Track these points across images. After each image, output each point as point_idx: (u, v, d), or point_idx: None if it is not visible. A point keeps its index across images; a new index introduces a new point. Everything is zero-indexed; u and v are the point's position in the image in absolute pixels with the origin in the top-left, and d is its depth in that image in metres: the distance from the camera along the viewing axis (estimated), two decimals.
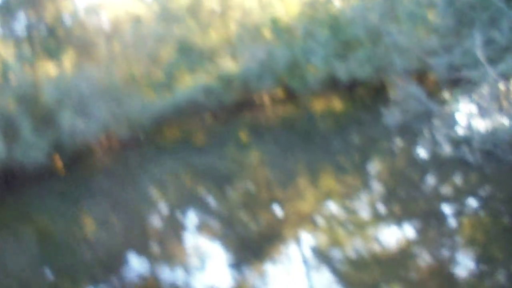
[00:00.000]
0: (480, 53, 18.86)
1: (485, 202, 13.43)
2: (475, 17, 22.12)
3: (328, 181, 19.42)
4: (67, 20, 38.79)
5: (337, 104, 34.74)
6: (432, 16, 27.30)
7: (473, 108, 18.41)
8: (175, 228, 16.93)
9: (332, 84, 32.86)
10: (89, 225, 19.51)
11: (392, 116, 19.84)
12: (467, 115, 18.42)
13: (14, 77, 30.69)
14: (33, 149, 27.90)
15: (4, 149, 26.86)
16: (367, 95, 31.60)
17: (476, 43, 19.43)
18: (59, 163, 30.16)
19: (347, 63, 30.79)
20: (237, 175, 22.59)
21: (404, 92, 20.18)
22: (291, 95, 35.37)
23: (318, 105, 35.22)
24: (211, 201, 19.64)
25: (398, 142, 22.69)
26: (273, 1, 38.78)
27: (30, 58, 32.86)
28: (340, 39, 32.10)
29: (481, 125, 17.42)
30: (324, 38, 32.33)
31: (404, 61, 26.22)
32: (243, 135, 32.64)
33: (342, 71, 30.69)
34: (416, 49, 25.46)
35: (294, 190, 18.07)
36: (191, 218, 17.76)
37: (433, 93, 25.14)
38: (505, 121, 16.77)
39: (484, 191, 14.55)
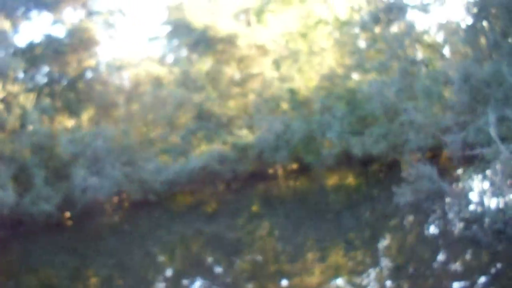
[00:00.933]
0: (493, 131, 18.90)
1: (495, 280, 13.20)
2: (490, 94, 22.28)
3: (337, 256, 19.23)
4: (89, 75, 39.45)
5: (350, 179, 34.67)
6: (448, 93, 27.49)
7: (485, 186, 18.30)
8: None
9: (346, 159, 32.85)
10: (93, 282, 19.34)
11: (403, 195, 19.79)
12: (480, 193, 18.30)
13: (31, 126, 31.01)
14: (44, 200, 28.03)
15: (15, 197, 26.90)
16: (380, 171, 31.54)
17: (490, 121, 19.50)
18: (68, 217, 30.06)
19: (362, 138, 30.78)
20: (246, 246, 22.43)
21: (416, 171, 20.15)
22: (305, 168, 35.34)
23: (331, 180, 35.16)
24: (218, 270, 19.44)
25: (409, 220, 22.54)
26: (292, 73, 39.11)
27: (49, 109, 33.25)
28: (357, 114, 32.23)
29: (493, 203, 17.29)
30: (341, 113, 32.45)
31: (418, 138, 26.29)
32: (255, 206, 32.54)
33: (357, 146, 30.69)
34: (431, 126, 25.55)
35: (303, 264, 17.90)
36: (195, 285, 17.56)
37: (446, 169, 25.14)
38: None
39: (495, 269, 14.30)
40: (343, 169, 34.27)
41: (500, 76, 22.71)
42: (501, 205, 16.69)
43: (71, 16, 41.64)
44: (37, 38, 38.13)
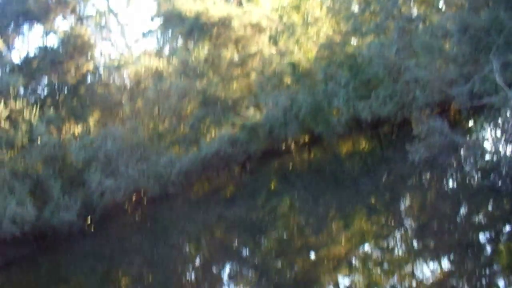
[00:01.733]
0: (499, 78, 18.88)
1: None
2: (491, 42, 22.19)
3: (361, 222, 19.37)
4: (89, 80, 39.56)
5: (363, 144, 34.71)
6: (448, 46, 27.38)
7: (498, 134, 18.30)
8: (211, 281, 16.90)
9: (356, 125, 32.81)
10: (125, 283, 19.53)
11: (417, 152, 19.84)
12: (493, 141, 18.30)
13: (40, 139, 31.20)
14: (63, 210, 28.31)
15: (35, 212, 27.17)
16: (391, 132, 31.56)
17: (495, 68, 19.48)
18: (90, 222, 30.22)
19: (369, 102, 30.73)
20: (270, 224, 22.61)
21: (427, 127, 20.18)
22: (316, 139, 35.29)
23: (344, 147, 35.18)
24: (245, 251, 19.63)
25: (427, 176, 22.60)
26: (291, 47, 39.03)
27: (55, 120, 33.44)
28: (360, 79, 32.12)
29: (508, 150, 17.31)
30: (344, 80, 32.36)
31: (425, 94, 26.26)
32: (272, 183, 32.67)
33: (365, 111, 30.63)
34: (436, 81, 25.51)
35: (328, 235, 18.06)
36: (226, 270, 17.75)
37: (457, 122, 25.16)
38: None
39: None
40: (355, 135, 34.26)
41: (498, 22, 22.61)
42: None
43: (63, 24, 41.88)
44: (32, 51, 38.41)
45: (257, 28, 40.15)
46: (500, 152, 17.54)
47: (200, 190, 34.91)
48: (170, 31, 42.10)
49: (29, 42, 38.62)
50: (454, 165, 21.42)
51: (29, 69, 35.94)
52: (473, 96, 21.94)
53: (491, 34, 22.60)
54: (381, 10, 31.70)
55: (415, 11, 32.84)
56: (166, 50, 43.69)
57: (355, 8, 35.89)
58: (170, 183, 32.63)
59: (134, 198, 32.55)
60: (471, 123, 24.58)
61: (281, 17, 41.15)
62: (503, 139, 17.67)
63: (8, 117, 30.74)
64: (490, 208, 16.66)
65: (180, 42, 43.02)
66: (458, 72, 24.51)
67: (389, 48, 29.83)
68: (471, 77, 22.40)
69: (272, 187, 31.69)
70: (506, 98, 18.34)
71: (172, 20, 39.89)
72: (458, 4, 29.58)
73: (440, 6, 32.82)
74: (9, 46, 36.62)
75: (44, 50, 37.44)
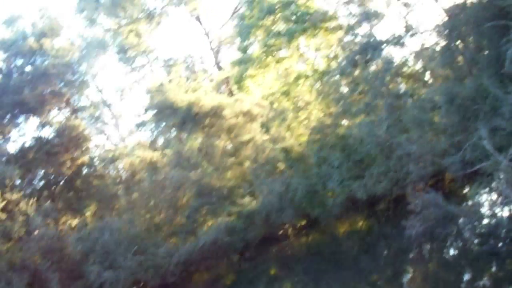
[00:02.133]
0: (488, 144, 19.08)
1: None
2: (477, 109, 22.55)
3: None
4: (84, 171, 39.69)
5: (360, 223, 34.56)
6: (437, 118, 27.72)
7: (493, 197, 18.38)
8: None
9: (352, 204, 32.73)
10: None
11: (413, 226, 19.88)
12: (490, 206, 18.37)
13: (37, 231, 31.07)
14: None
15: None
16: (387, 208, 31.45)
17: (483, 135, 19.70)
18: None
19: (363, 181, 30.78)
20: None
21: (422, 200, 20.29)
22: (313, 222, 35.19)
23: (341, 227, 35.04)
24: None
25: (426, 248, 22.48)
26: (283, 132, 39.39)
27: (51, 212, 33.40)
28: (353, 159, 32.29)
29: (505, 212, 17.35)
30: (337, 161, 32.54)
31: (418, 168, 26.36)
32: (272, 269, 32.40)
33: (360, 190, 30.64)
34: (428, 153, 25.68)
35: None
36: None
37: (452, 191, 25.20)
38: None
39: None
40: (351, 214, 34.14)
41: (483, 90, 23.06)
42: None
43: (58, 116, 42.33)
44: (28, 142, 38.70)
45: (249, 116, 40.62)
46: (497, 215, 17.57)
47: (200, 279, 34.59)
48: (163, 122, 42.50)
49: (25, 133, 38.73)
50: (453, 234, 21.32)
51: (25, 160, 36.21)
52: (466, 164, 22.09)
53: (477, 101, 22.99)
54: (370, 89, 32.16)
55: (403, 87, 33.39)
56: (160, 141, 44.10)
57: (344, 89, 36.41)
58: (169, 274, 32.47)
59: None
60: (466, 190, 24.62)
61: (271, 104, 41.70)
62: (499, 202, 17.72)
63: (5, 208, 30.76)
64: (492, 271, 16.54)
65: (173, 133, 43.45)
66: (449, 142, 24.76)
67: (379, 126, 30.11)
68: (462, 146, 22.61)
69: (272, 273, 31.49)
70: (497, 163, 18.48)
71: (165, 111, 40.31)
72: (444, 76, 30.15)
73: (426, 79, 33.43)
74: (5, 137, 36.91)
75: (39, 141, 37.84)
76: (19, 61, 39.80)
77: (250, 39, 45.85)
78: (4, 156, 35.23)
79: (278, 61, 44.50)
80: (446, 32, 28.91)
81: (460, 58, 29.13)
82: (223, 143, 41.68)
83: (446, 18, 30.17)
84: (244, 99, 41.11)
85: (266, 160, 37.84)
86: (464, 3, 28.24)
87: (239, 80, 46.76)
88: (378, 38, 32.76)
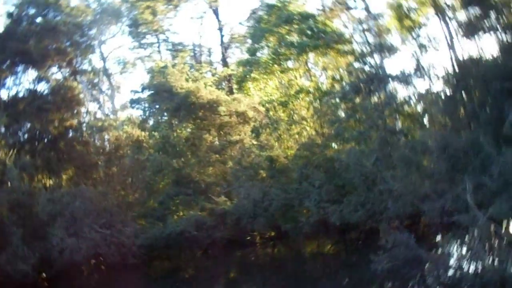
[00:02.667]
0: (470, 198, 19.23)
1: None
2: (467, 163, 22.74)
3: None
4: (70, 135, 39.43)
5: (328, 247, 34.56)
6: (426, 162, 27.89)
7: (463, 251, 18.48)
8: None
9: (324, 227, 32.73)
10: None
11: (380, 262, 19.92)
12: (458, 258, 18.46)
13: (10, 184, 30.84)
14: (20, 260, 27.75)
15: None
16: (358, 239, 31.51)
17: (467, 189, 19.85)
18: (44, 278, 29.65)
19: (340, 207, 30.84)
20: None
21: (394, 238, 20.34)
22: (282, 236, 35.16)
23: (309, 247, 35.07)
24: None
25: (387, 286, 22.46)
26: (272, 141, 39.45)
27: (29, 167, 33.15)
28: (335, 183, 32.39)
29: (471, 267, 17.43)
30: (319, 182, 32.62)
31: (397, 206, 26.49)
32: (232, 273, 32.38)
33: (335, 215, 30.71)
34: (410, 194, 25.80)
35: None
36: None
37: (424, 236, 25.29)
38: (494, 263, 16.80)
39: None
40: (321, 237, 34.17)
41: (477, 145, 23.25)
42: (479, 270, 16.84)
43: (56, 74, 42.09)
44: (21, 93, 38.31)
45: (242, 117, 40.71)
46: (463, 269, 17.64)
47: (159, 266, 34.48)
48: (158, 104, 42.43)
49: (21, 83, 38.32)
50: (417, 278, 21.35)
51: (14, 109, 35.79)
52: (444, 213, 22.26)
53: (469, 155, 23.17)
54: (366, 119, 32.35)
55: (399, 124, 33.57)
56: (150, 122, 43.97)
57: (342, 114, 36.56)
58: (130, 254, 32.28)
59: (93, 262, 32.03)
60: (439, 238, 24.73)
61: (267, 111, 41.75)
62: (468, 256, 17.82)
63: None
64: None
65: (165, 117, 43.38)
66: (432, 188, 24.91)
67: (368, 157, 30.25)
68: (444, 194, 22.79)
69: (231, 276, 31.43)
70: (475, 219, 18.62)
71: (162, 93, 40.29)
72: (442, 123, 30.36)
73: (424, 122, 33.62)
74: (0, 82, 36.60)
75: (33, 94, 37.42)
76: (31, 11, 39.39)
77: (261, 43, 45.98)
78: None
79: (283, 71, 44.70)
80: (453, 81, 29.18)
81: (461, 109, 29.39)
82: (211, 138, 41.71)
83: (457, 68, 30.47)
84: (242, 100, 41.20)
85: (250, 164, 37.74)
86: (478, 59, 28.54)
87: (241, 81, 46.93)
88: (387, 71, 33.01)
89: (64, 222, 31.14)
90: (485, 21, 29.33)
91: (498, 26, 28.67)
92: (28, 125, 37.81)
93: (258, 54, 47.03)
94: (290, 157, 38.08)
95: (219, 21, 53.06)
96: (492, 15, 29.21)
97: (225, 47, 53.77)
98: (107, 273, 31.73)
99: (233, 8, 54.80)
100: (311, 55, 43.76)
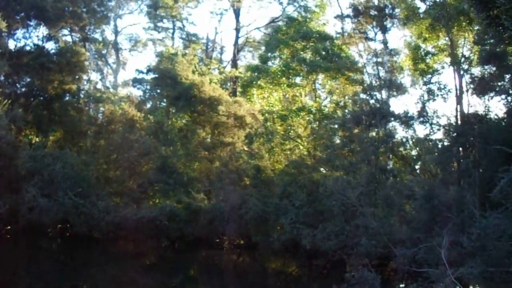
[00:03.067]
0: (444, 254, 19.14)
1: None
2: (449, 218, 22.66)
3: None
4: (67, 98, 39.25)
5: (293, 268, 34.37)
6: (409, 207, 27.83)
7: None
8: None
9: (294, 248, 32.59)
10: None
11: None
12: None
13: None
14: None
15: None
16: (324, 267, 31.32)
17: (443, 244, 19.77)
18: (8, 230, 30.05)
19: (314, 232, 30.69)
20: None
21: (360, 275, 20.26)
22: (251, 246, 35.01)
23: (275, 264, 34.89)
24: None
25: None
26: (263, 152, 39.41)
27: (18, 119, 33.05)
28: (315, 207, 32.23)
29: None
30: (299, 202, 32.47)
31: (369, 244, 26.31)
32: (193, 270, 32.25)
33: (307, 238, 30.52)
34: (385, 235, 25.70)
35: None
36: None
37: (390, 280, 25.13)
38: None
39: None
40: (289, 256, 33.95)
41: (462, 203, 23.16)
42: None
43: (66, 36, 42.00)
44: (28, 47, 38.15)
45: (239, 122, 40.67)
46: None
47: (124, 248, 34.23)
48: (159, 89, 42.35)
49: (30, 37, 38.13)
50: None
51: (18, 61, 35.61)
52: (414, 262, 22.16)
53: (452, 211, 23.10)
54: (360, 152, 32.27)
55: (391, 164, 33.56)
56: (148, 105, 43.87)
57: (337, 140, 36.53)
58: (97, 228, 32.23)
59: (59, 226, 31.90)
60: (402, 285, 24.60)
61: (266, 121, 41.73)
62: None
63: None
64: None
65: (164, 103, 43.33)
66: (408, 235, 24.84)
67: (353, 189, 30.09)
68: (419, 244, 22.70)
69: (190, 273, 31.28)
70: (443, 275, 18.54)
71: (166, 79, 40.26)
72: (433, 172, 30.36)
73: (416, 167, 33.61)
74: (11, 32, 36.36)
75: (39, 51, 37.25)
76: None
77: (274, 52, 46.03)
78: (1, 48, 34.64)
79: (290, 85, 44.72)
80: (454, 134, 29.14)
81: (455, 164, 29.40)
82: (204, 134, 41.68)
83: (460, 122, 30.47)
84: (243, 104, 41.21)
85: (236, 169, 37.70)
86: (483, 117, 28.52)
87: (247, 85, 46.98)
88: (391, 108, 33.00)
89: (41, 181, 31.14)
90: (498, 82, 29.37)
91: (510, 90, 28.70)
92: (28, 79, 37.64)
93: (269, 63, 47.12)
94: (277, 171, 38.07)
95: (238, 21, 53.12)
96: (507, 77, 29.27)
97: (238, 49, 53.82)
98: (70, 241, 31.72)
99: (254, 11, 54.73)
100: (321, 76, 43.85)
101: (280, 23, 51.70)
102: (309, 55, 43.06)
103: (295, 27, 45.97)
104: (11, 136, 32.19)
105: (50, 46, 38.47)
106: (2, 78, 35.38)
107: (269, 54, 47.55)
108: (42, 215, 30.07)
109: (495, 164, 23.36)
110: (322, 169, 36.64)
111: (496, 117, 29.20)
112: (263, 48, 51.68)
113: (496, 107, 30.67)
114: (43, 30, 38.09)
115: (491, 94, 29.17)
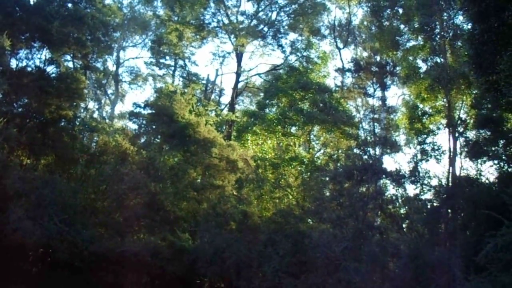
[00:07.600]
0: None
1: None
2: (432, 279, 22.64)
3: None
4: (62, 124, 39.17)
5: None
6: (393, 265, 27.76)
7: None
8: None
9: None
10: None
11: None
12: None
13: None
14: None
15: None
16: None
17: None
18: None
19: (296, 282, 30.51)
20: None
21: None
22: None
23: None
24: None
25: None
26: (252, 198, 39.43)
27: (11, 139, 32.88)
28: (299, 258, 32.10)
29: None
30: (284, 251, 32.33)
31: None
32: None
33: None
34: None
35: None
36: None
37: None
38: None
39: None
40: None
41: (447, 264, 23.16)
42: None
43: (69, 62, 42.20)
44: (29, 68, 38.20)
45: (231, 166, 40.69)
46: None
47: (103, 279, 33.84)
48: (154, 125, 42.47)
49: (32, 58, 38.19)
50: None
51: (18, 81, 35.48)
52: None
53: (436, 272, 23.12)
54: (349, 206, 32.28)
55: (378, 221, 33.56)
56: (142, 140, 43.88)
57: (327, 193, 36.54)
58: (80, 257, 31.93)
59: (41, 251, 31.73)
60: None
61: (257, 167, 41.76)
62: None
63: None
64: None
65: (158, 139, 43.40)
66: None
67: (339, 243, 30.05)
68: None
69: None
70: None
71: (162, 117, 40.41)
72: (420, 232, 30.36)
73: (403, 225, 33.62)
74: (14, 52, 36.44)
75: (40, 73, 37.19)
76: None
77: (272, 100, 46.38)
78: (2, 67, 34.65)
79: (284, 134, 44.92)
80: (443, 196, 29.27)
81: (443, 225, 29.45)
82: (195, 175, 41.65)
83: (451, 184, 30.64)
84: (236, 149, 41.32)
85: (223, 212, 37.53)
86: (474, 181, 28.72)
87: (242, 130, 47.14)
88: (384, 165, 33.16)
89: (28, 203, 30.91)
90: (492, 146, 29.73)
91: (503, 155, 29.02)
92: (26, 100, 37.61)
93: (266, 109, 47.45)
94: (264, 219, 38.04)
95: (239, 66, 53.49)
96: (501, 142, 29.62)
97: (237, 93, 54.11)
98: (50, 267, 31.51)
99: (256, 58, 55.12)
100: (316, 128, 44.17)
101: (281, 71, 52.23)
102: (307, 105, 43.41)
103: (295, 77, 46.44)
104: (3, 155, 32.11)
105: (51, 69, 38.56)
106: (0, 95, 35.36)
107: (267, 101, 47.96)
108: (25, 238, 29.78)
109: (483, 228, 23.44)
110: (309, 220, 36.58)
111: (487, 181, 29.44)
112: (261, 94, 52.16)
113: (488, 171, 30.90)
114: (46, 53, 38.13)
115: (484, 158, 29.60)
